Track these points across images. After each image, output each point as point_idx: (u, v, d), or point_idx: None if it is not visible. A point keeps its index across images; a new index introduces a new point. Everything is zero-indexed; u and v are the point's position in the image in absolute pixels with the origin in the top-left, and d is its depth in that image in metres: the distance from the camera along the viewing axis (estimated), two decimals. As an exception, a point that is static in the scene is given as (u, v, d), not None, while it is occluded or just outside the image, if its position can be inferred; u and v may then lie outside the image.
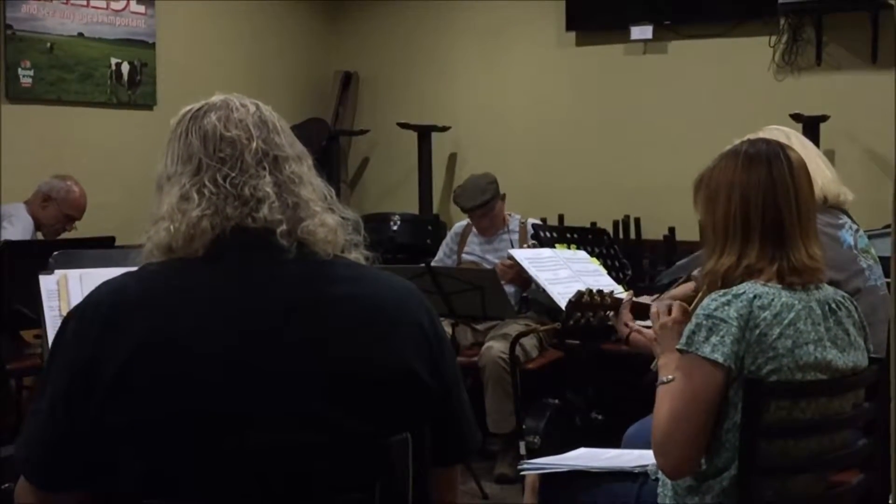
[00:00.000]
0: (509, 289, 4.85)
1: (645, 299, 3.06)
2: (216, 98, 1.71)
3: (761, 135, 2.64)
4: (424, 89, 6.95)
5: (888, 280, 2.97)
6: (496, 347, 4.67)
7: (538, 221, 5.33)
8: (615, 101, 6.24)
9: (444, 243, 5.44)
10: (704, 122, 5.73)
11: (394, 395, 1.60)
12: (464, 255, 5.25)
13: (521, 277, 4.69)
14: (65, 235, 5.07)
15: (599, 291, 2.88)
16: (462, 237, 5.31)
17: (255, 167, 1.63)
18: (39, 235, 4.99)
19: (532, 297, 5.02)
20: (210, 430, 1.50)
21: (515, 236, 5.16)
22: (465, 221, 5.32)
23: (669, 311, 2.39)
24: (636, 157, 6.14)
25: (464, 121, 6.75)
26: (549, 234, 4.71)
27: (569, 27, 6.30)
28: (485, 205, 5.05)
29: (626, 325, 2.77)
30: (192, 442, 1.50)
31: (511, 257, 4.40)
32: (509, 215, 5.24)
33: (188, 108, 1.71)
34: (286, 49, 7.02)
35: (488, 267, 4.99)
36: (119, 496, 1.53)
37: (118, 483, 1.53)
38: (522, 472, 2.72)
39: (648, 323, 2.56)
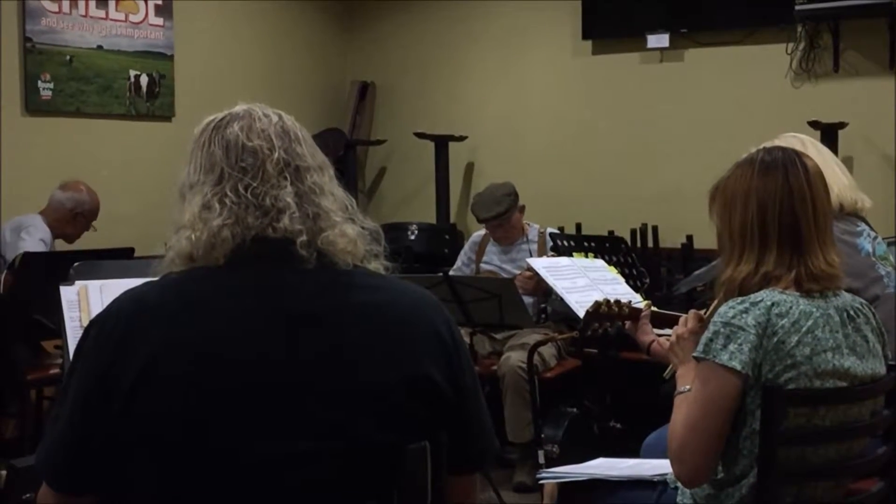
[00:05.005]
0: (527, 299, 4.85)
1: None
2: (239, 108, 1.72)
3: (777, 142, 2.64)
4: (441, 99, 6.96)
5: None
6: (514, 357, 4.67)
7: (555, 230, 5.33)
8: (632, 110, 6.23)
9: (462, 252, 5.45)
10: (722, 130, 5.72)
11: (412, 402, 1.60)
12: (482, 265, 5.26)
13: (541, 288, 4.69)
14: (85, 236, 5.11)
15: (617, 301, 2.88)
16: (480, 246, 5.31)
17: (276, 177, 1.64)
18: (57, 246, 5.02)
19: (551, 307, 5.02)
20: (225, 437, 1.51)
21: (534, 246, 5.15)
22: (483, 230, 5.32)
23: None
24: (653, 165, 6.14)
25: (480, 130, 6.76)
26: (567, 243, 4.71)
27: (585, 36, 6.31)
28: (499, 216, 5.06)
29: (649, 335, 2.78)
30: (207, 449, 1.51)
31: (529, 267, 4.41)
32: (528, 225, 5.24)
33: (211, 117, 1.72)
34: (303, 60, 7.05)
35: (506, 276, 4.99)
36: (135, 500, 1.55)
37: (134, 487, 1.54)
38: (541, 481, 2.72)
39: (669, 332, 2.56)
